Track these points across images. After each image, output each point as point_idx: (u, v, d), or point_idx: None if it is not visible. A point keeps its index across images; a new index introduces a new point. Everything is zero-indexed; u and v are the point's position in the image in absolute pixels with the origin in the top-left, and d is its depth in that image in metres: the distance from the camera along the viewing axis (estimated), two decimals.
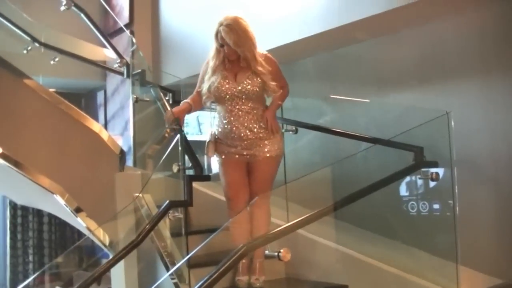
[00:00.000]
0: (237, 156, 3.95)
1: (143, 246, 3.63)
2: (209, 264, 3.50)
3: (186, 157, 3.93)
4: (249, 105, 3.95)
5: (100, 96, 7.33)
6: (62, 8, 4.70)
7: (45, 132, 4.13)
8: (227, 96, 3.93)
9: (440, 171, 3.80)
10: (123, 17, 6.46)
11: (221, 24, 3.81)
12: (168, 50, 6.25)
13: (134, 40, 4.79)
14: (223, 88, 3.93)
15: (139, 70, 4.70)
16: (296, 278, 4.32)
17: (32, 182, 3.99)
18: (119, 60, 4.69)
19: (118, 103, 6.62)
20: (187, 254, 3.74)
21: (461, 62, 4.45)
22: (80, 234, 7.56)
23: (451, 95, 4.45)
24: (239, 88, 3.92)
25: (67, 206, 4.07)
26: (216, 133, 4.01)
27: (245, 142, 3.93)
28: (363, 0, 4.43)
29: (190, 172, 3.81)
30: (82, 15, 4.86)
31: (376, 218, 4.52)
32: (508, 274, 3.98)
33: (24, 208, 7.29)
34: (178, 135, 3.82)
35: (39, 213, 7.33)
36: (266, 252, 3.23)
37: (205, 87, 4.02)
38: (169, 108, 4.19)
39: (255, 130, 3.93)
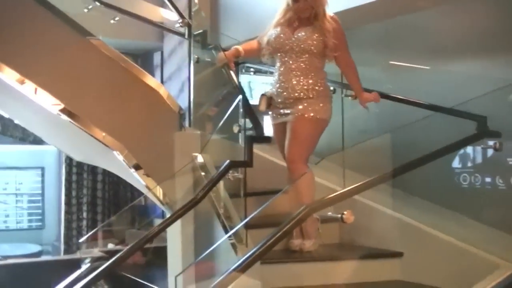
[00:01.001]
0: (279, 117, 4.00)
1: (200, 205, 3.69)
2: (266, 226, 3.58)
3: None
4: (302, 59, 3.95)
5: (156, 57, 7.37)
6: None
7: (106, 89, 4.17)
8: (281, 48, 3.97)
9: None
10: None
11: None
12: (227, 12, 6.23)
13: (196, 1, 4.75)
14: (279, 40, 3.98)
15: (201, 31, 4.67)
16: (350, 244, 4.33)
17: (92, 138, 4.04)
18: (180, 20, 4.67)
19: (175, 65, 6.64)
20: (245, 214, 3.77)
21: None
22: (133, 192, 7.69)
23: None
24: (293, 39, 3.94)
25: (125, 163, 4.12)
26: (270, 89, 4.03)
27: (290, 100, 3.93)
28: None
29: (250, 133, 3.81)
30: None
31: (434, 187, 4.47)
32: None
33: (79, 166, 7.42)
34: (240, 96, 3.83)
35: (93, 170, 7.46)
36: (329, 213, 3.22)
37: (265, 39, 4.10)
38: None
39: (304, 86, 3.92)
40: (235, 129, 3.87)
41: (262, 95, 4.06)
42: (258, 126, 3.73)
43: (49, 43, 4.00)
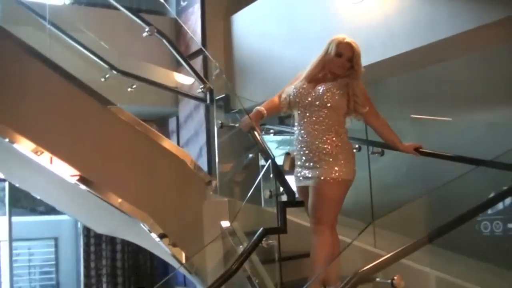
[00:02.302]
0: (301, 179, 3.79)
1: None
2: None
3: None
4: (321, 114, 3.79)
5: (172, 123, 7.30)
6: (145, 34, 4.73)
7: (130, 158, 4.11)
8: (300, 101, 3.80)
9: None
10: (196, 42, 6.44)
11: (343, 39, 3.79)
12: (243, 74, 6.22)
13: (217, 64, 4.72)
14: (299, 93, 3.82)
15: (223, 95, 4.62)
16: None
17: (115, 210, 3.96)
18: (202, 86, 4.63)
19: (192, 130, 6.57)
20: (281, 280, 3.65)
21: None
22: (152, 261, 7.54)
23: None
24: (313, 94, 3.79)
25: (150, 231, 4.01)
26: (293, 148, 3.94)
27: (313, 158, 3.78)
28: (452, 16, 4.32)
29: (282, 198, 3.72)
30: (165, 41, 4.86)
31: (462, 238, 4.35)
32: None
33: (97, 236, 7.29)
34: (270, 161, 3.73)
35: (112, 240, 7.33)
36: (377, 279, 3.08)
37: (284, 95, 3.95)
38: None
39: (324, 140, 3.73)
40: (266, 194, 3.76)
41: (287, 154, 3.91)
42: (289, 190, 3.61)
43: (67, 110, 3.98)
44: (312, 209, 3.74)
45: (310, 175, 3.78)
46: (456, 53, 4.58)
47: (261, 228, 3.50)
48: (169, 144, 4.17)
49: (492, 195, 3.70)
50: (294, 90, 3.91)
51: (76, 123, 3.95)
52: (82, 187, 3.87)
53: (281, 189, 3.80)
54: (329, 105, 3.79)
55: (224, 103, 4.55)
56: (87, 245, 7.36)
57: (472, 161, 3.92)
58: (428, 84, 4.94)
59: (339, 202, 3.82)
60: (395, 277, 2.76)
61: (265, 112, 4.04)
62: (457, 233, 4.30)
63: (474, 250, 4.35)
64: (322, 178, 3.73)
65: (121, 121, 4.07)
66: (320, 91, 3.82)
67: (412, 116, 4.97)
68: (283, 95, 4.02)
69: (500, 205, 4.77)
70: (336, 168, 3.72)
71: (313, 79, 3.92)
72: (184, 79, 5.54)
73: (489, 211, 4.67)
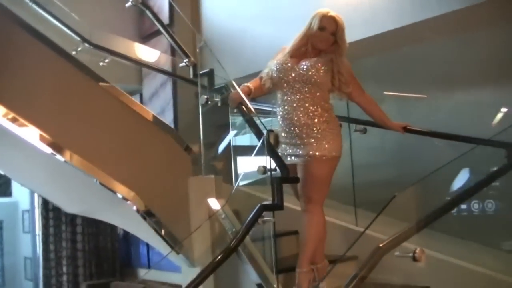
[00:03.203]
0: (288, 158, 3.77)
1: None
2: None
3: None
4: (305, 90, 3.74)
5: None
6: (128, 4, 4.58)
7: (118, 135, 3.96)
8: (284, 77, 3.77)
9: None
10: (162, 18, 6.25)
11: (326, 12, 3.75)
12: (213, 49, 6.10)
13: (203, 37, 4.57)
14: (282, 68, 3.79)
15: (207, 70, 4.48)
16: (374, 282, 4.16)
17: (98, 186, 3.79)
18: (187, 60, 4.47)
19: (157, 107, 6.40)
20: (275, 257, 3.62)
21: None
22: (113, 243, 7.35)
23: None
24: (297, 70, 3.75)
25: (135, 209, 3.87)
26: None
27: (298, 135, 3.73)
28: None
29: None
30: (148, 12, 4.70)
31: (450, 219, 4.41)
32: None
33: (56, 218, 7.05)
34: (264, 135, 3.64)
35: (72, 222, 7.09)
36: (396, 253, 3.08)
37: (265, 71, 3.92)
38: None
39: (310, 117, 3.72)
40: (260, 170, 3.68)
41: (270, 131, 3.80)
42: (283, 166, 3.55)
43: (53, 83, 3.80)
44: (303, 188, 3.71)
45: (298, 153, 3.74)
46: (438, 34, 4.62)
47: (259, 205, 3.43)
48: (156, 120, 4.02)
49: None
50: (277, 65, 3.83)
51: (61, 95, 3.75)
52: (62, 159, 3.69)
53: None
54: (313, 80, 3.73)
55: (208, 78, 4.41)
56: (45, 227, 7.08)
57: (464, 138, 3.97)
58: (407, 64, 4.96)
59: (329, 180, 3.79)
60: (417, 250, 2.79)
61: (252, 88, 3.96)
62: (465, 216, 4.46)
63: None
64: (311, 154, 3.69)
65: (108, 96, 3.90)
66: (304, 67, 3.75)
67: (385, 93, 4.99)
68: (265, 70, 3.94)
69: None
70: (325, 145, 3.71)
71: (296, 54, 3.84)
72: (149, 54, 5.35)
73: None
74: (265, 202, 3.44)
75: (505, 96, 4.45)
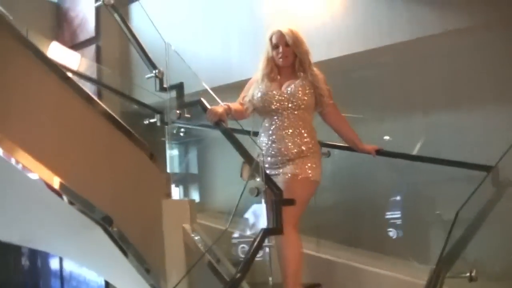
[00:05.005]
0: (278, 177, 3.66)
1: None
2: None
3: None
4: (295, 116, 3.72)
5: None
6: (98, 3, 4.16)
7: (87, 143, 3.47)
8: (272, 105, 3.71)
9: None
10: (87, 30, 5.80)
11: (273, 30, 3.78)
12: (143, 67, 5.73)
13: (173, 48, 4.22)
14: (267, 97, 3.73)
15: (178, 83, 4.13)
16: None
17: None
18: (155, 71, 4.10)
19: None
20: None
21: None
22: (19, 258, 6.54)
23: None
24: (286, 95, 3.71)
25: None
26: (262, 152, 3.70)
27: (286, 158, 3.67)
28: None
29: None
30: (116, 15, 4.29)
31: None
32: None
33: None
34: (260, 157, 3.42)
35: None
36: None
37: (247, 98, 3.84)
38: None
39: (299, 145, 3.68)
40: (252, 192, 3.45)
41: (244, 163, 3.65)
42: (278, 189, 3.35)
43: None
44: (284, 210, 3.54)
45: (281, 171, 3.67)
46: (399, 58, 4.72)
47: (261, 229, 3.21)
48: (128, 133, 3.62)
49: None
50: (260, 93, 3.75)
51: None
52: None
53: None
54: (303, 106, 3.71)
55: (177, 91, 4.08)
56: None
57: (444, 162, 4.03)
58: (366, 86, 4.99)
59: (307, 203, 3.74)
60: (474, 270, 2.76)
61: (232, 109, 3.77)
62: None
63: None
64: (297, 173, 3.64)
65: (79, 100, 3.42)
66: (292, 91, 3.71)
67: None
68: (246, 99, 3.83)
69: None
70: (311, 167, 3.69)
71: (273, 79, 3.81)
72: (71, 60, 4.89)
73: None
74: (265, 227, 3.26)
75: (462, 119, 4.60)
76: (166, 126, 4.86)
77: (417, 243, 4.75)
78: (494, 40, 4.37)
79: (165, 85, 4.10)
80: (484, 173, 3.78)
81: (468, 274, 2.81)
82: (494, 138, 4.11)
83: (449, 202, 4.44)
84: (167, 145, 4.23)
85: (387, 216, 4.89)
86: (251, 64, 3.99)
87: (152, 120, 4.96)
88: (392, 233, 4.88)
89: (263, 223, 3.34)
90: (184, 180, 5.16)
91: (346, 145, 4.13)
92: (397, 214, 4.87)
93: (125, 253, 3.41)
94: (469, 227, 3.28)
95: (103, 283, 5.80)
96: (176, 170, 4.66)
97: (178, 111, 3.99)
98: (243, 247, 4.18)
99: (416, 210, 4.79)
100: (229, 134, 3.61)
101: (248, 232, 4.09)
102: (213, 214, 4.95)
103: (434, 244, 4.62)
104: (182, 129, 4.76)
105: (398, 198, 4.87)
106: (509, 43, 4.35)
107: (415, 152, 4.51)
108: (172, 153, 4.70)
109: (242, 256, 4.22)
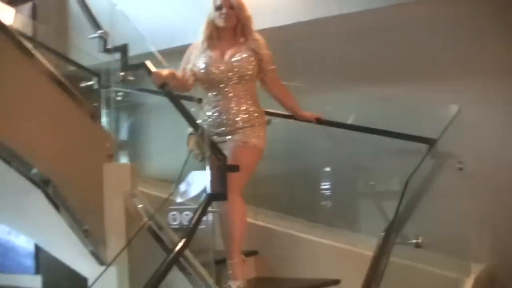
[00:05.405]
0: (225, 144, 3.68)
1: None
2: None
3: None
4: (240, 86, 3.72)
5: None
6: None
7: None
8: (216, 77, 3.69)
9: None
10: None
11: None
12: (81, 29, 5.52)
13: (116, 6, 4.05)
14: (211, 68, 3.69)
15: (122, 44, 3.99)
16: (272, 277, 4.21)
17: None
18: (100, 31, 3.94)
19: None
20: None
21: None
22: None
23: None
24: (230, 66, 3.69)
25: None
26: (204, 123, 3.69)
27: (233, 127, 3.69)
28: None
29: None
30: None
31: None
32: None
33: None
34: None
35: None
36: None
37: (188, 66, 3.80)
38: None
39: (245, 116, 3.72)
40: (197, 158, 3.44)
41: (190, 134, 3.66)
42: (222, 155, 3.35)
43: None
44: (229, 176, 3.54)
45: (229, 138, 3.70)
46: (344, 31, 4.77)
47: (206, 194, 3.21)
48: (69, 91, 3.50)
49: None
50: (203, 64, 3.70)
51: None
52: None
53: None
54: (247, 77, 3.71)
55: (121, 53, 3.96)
56: None
57: (386, 133, 4.10)
58: (310, 56, 5.01)
59: (253, 170, 3.75)
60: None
61: (177, 75, 3.72)
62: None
63: None
64: (244, 140, 3.68)
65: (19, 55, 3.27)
66: (237, 61, 3.70)
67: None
68: (187, 66, 3.79)
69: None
70: (258, 135, 3.74)
71: (214, 45, 3.78)
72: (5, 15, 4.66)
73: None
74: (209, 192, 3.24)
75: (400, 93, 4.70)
76: (102, 90, 4.75)
77: (350, 212, 4.87)
78: (441, 15, 4.51)
79: (108, 46, 3.93)
80: (422, 145, 3.90)
81: (414, 241, 2.89)
82: (431, 114, 4.23)
83: (384, 174, 4.62)
84: (102, 110, 4.10)
85: (323, 186, 4.97)
86: (195, 28, 3.91)
87: (89, 83, 4.84)
88: (327, 203, 4.98)
89: (205, 189, 3.29)
90: (120, 146, 5.03)
91: (286, 113, 4.17)
92: (333, 184, 4.96)
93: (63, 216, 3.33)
94: (412, 197, 3.37)
95: (33, 249, 5.67)
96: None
97: (122, 74, 3.87)
98: (187, 214, 4.16)
99: (352, 180, 4.88)
100: (174, 98, 3.56)
101: (189, 199, 4.05)
102: (150, 181, 4.89)
103: (366, 214, 4.78)
104: (120, 93, 4.60)
105: (334, 168, 4.93)
106: (455, 19, 4.48)
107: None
108: (109, 118, 4.58)
109: (182, 223, 4.22)
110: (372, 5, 4.42)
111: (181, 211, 3.98)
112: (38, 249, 5.53)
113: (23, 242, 5.73)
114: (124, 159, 4.12)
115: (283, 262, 4.18)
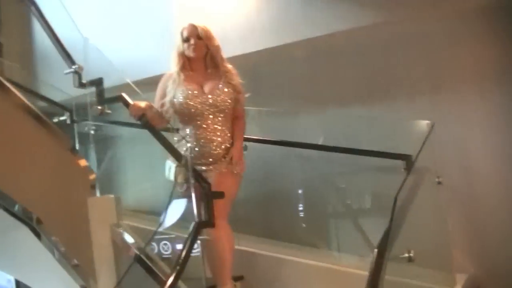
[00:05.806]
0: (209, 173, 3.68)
1: None
2: None
3: None
4: (219, 119, 3.75)
5: None
6: None
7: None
8: (196, 110, 3.69)
9: None
10: None
11: (186, 25, 3.78)
12: (46, 64, 5.51)
13: (91, 42, 4.04)
14: (190, 101, 3.69)
15: (97, 78, 3.97)
16: None
17: None
18: (75, 66, 3.92)
19: None
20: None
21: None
22: None
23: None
24: (211, 100, 3.71)
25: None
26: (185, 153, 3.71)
27: (215, 158, 3.71)
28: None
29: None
30: (33, 8, 4.06)
31: None
32: None
33: None
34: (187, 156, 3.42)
35: None
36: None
37: (167, 99, 3.75)
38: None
39: (227, 145, 3.75)
40: (181, 187, 3.46)
41: (177, 166, 3.61)
42: (207, 183, 3.39)
43: None
44: (216, 204, 3.57)
45: (212, 167, 3.70)
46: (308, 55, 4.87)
47: (194, 223, 3.24)
48: (47, 126, 3.49)
49: None
50: (182, 98, 3.70)
51: None
52: None
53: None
54: (227, 111, 3.74)
55: (96, 88, 3.94)
56: None
57: (362, 152, 4.20)
58: (278, 81, 5.09)
59: (235, 196, 3.77)
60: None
61: (154, 107, 3.72)
62: None
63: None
64: (223, 170, 3.69)
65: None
66: (214, 94, 3.72)
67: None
68: (167, 100, 3.75)
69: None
70: (238, 164, 3.77)
71: (190, 76, 3.78)
72: None
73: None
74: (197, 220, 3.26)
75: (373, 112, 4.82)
76: (75, 124, 4.75)
77: (329, 232, 4.93)
78: (405, 36, 4.62)
79: (83, 81, 3.92)
80: (398, 162, 3.99)
81: (406, 255, 2.93)
82: (405, 130, 4.34)
83: (360, 192, 4.70)
84: (77, 144, 4.10)
85: (300, 208, 5.02)
86: (167, 57, 3.94)
87: (62, 118, 4.83)
88: (305, 224, 5.03)
89: (187, 218, 3.32)
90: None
91: (261, 137, 4.24)
92: (309, 205, 5.01)
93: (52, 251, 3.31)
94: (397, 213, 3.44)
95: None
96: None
97: (99, 107, 3.86)
98: (165, 244, 4.16)
99: (328, 200, 4.94)
100: (154, 130, 3.57)
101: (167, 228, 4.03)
102: (129, 212, 4.86)
103: (344, 233, 4.84)
104: (93, 127, 4.59)
105: (310, 189, 4.99)
106: (419, 39, 4.61)
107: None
108: (83, 152, 4.56)
109: (165, 252, 4.22)
110: (332, 29, 4.56)
111: (158, 241, 3.98)
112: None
113: (3, 281, 5.59)
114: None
115: (270, 285, 4.19)
